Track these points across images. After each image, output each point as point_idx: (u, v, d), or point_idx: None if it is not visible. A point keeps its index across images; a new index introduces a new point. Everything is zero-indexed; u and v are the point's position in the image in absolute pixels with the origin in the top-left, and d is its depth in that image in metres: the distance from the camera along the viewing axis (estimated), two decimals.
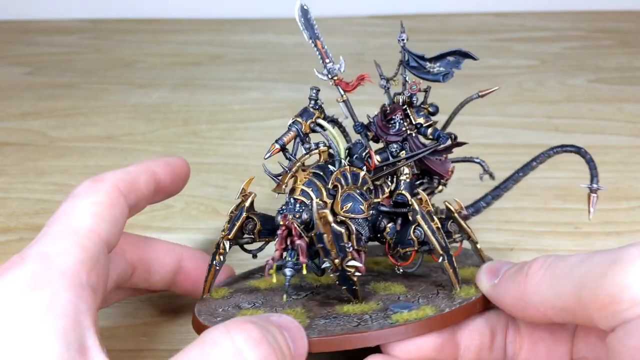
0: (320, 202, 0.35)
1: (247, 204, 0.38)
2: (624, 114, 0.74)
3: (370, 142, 0.42)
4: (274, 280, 0.34)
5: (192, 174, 0.42)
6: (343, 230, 0.33)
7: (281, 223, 0.34)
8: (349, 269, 0.34)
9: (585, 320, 0.28)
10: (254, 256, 0.39)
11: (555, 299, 0.29)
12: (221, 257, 0.38)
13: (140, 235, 0.40)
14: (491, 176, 0.45)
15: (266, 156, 0.37)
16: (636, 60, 0.91)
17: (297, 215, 0.34)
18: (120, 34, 1.08)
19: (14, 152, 0.69)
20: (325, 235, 0.33)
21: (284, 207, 0.35)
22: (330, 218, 0.33)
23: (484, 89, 0.41)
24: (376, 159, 0.39)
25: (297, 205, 0.34)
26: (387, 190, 0.39)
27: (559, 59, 0.92)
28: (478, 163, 0.44)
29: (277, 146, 0.38)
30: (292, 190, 0.36)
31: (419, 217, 0.36)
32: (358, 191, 0.36)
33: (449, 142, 0.39)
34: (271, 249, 0.41)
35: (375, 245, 0.42)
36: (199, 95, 0.83)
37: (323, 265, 0.34)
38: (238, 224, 0.37)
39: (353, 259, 0.34)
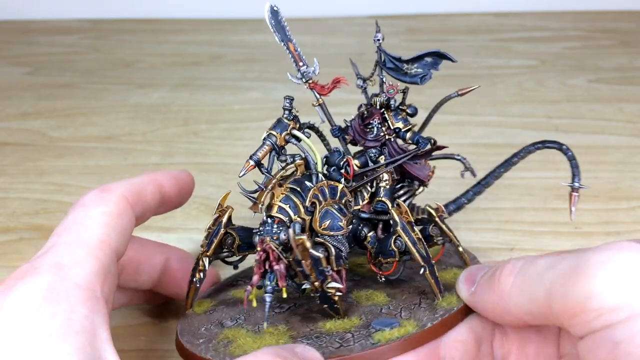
0: (299, 219, 0.34)
1: (225, 219, 0.37)
2: (624, 114, 0.74)
3: (349, 146, 0.41)
4: (254, 304, 0.33)
5: (192, 174, 0.42)
6: (321, 256, 0.32)
7: (258, 248, 0.33)
8: (329, 291, 0.33)
9: (559, 324, 0.29)
10: (235, 267, 0.39)
11: (529, 303, 0.29)
12: (201, 274, 0.37)
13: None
14: (472, 173, 0.44)
15: (241, 174, 0.35)
16: (636, 60, 0.91)
17: (275, 237, 0.33)
18: (120, 34, 1.08)
19: (14, 152, 0.69)
20: (303, 262, 0.32)
21: (261, 227, 0.34)
22: (308, 244, 0.31)
23: (463, 87, 0.40)
24: (355, 163, 0.38)
25: (275, 225, 0.33)
26: (366, 196, 0.38)
27: (559, 59, 0.92)
28: (459, 160, 0.44)
29: (252, 162, 0.36)
30: (269, 207, 0.35)
31: (399, 228, 0.35)
32: (336, 206, 0.35)
33: (428, 146, 0.38)
34: (253, 258, 0.40)
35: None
36: (199, 95, 0.83)
37: (303, 287, 0.34)
38: (216, 241, 0.37)
39: (333, 280, 0.33)
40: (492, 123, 0.72)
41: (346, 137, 0.40)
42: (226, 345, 0.34)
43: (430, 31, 1.05)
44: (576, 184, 0.40)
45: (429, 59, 0.39)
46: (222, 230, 0.37)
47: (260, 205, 0.35)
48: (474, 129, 0.70)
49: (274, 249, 0.32)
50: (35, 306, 0.27)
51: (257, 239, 0.33)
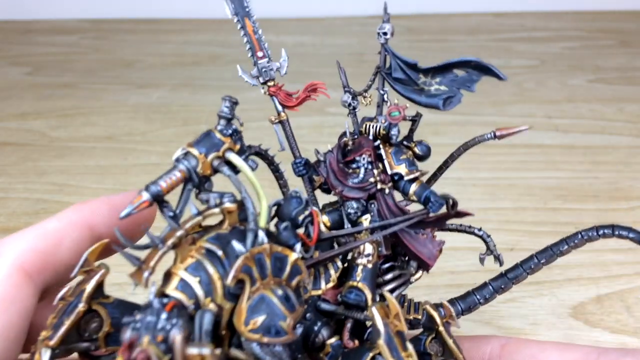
0: (212, 306, 0.20)
1: (90, 288, 0.23)
2: (624, 114, 0.74)
3: (318, 193, 0.28)
4: None
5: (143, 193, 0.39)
6: None
7: (119, 358, 0.19)
8: None
9: None
10: None
11: None
12: None
13: None
14: (498, 260, 0.30)
15: (122, 214, 0.22)
16: (636, 60, 0.91)
17: (158, 338, 0.19)
18: (120, 34, 1.08)
19: (14, 152, 0.69)
20: None
21: (138, 316, 0.20)
22: None
23: (502, 127, 0.29)
24: (323, 220, 0.25)
25: (165, 314, 0.19)
26: (333, 275, 0.25)
27: (559, 59, 0.92)
28: (480, 237, 0.30)
29: (145, 197, 0.22)
30: (167, 277, 0.22)
31: (382, 342, 0.21)
32: (280, 292, 0.21)
33: (443, 209, 0.24)
34: None
35: None
36: (199, 95, 0.83)
37: None
38: (68, 323, 0.22)
39: None
40: (492, 123, 0.72)
41: (314, 177, 0.27)
42: None
43: (430, 31, 1.04)
44: None
45: (460, 72, 0.25)
46: (81, 306, 0.22)
47: (146, 273, 0.21)
48: (474, 129, 0.70)
49: (155, 354, 0.19)
50: None
51: (127, 334, 0.19)
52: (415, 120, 0.27)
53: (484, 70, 0.25)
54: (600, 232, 0.28)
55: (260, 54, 0.27)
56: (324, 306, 0.24)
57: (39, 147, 0.70)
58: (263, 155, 0.27)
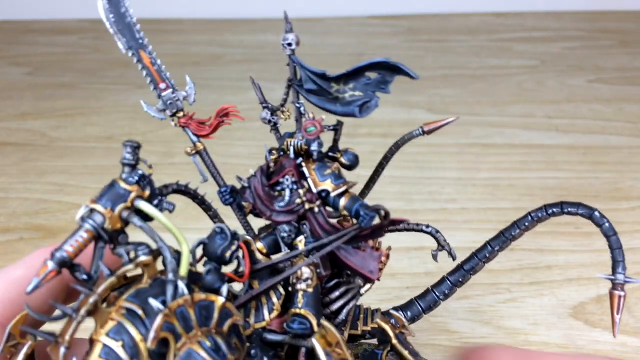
0: None
1: None
2: (624, 114, 0.74)
3: (251, 218, 0.26)
4: None
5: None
6: None
7: None
8: None
9: None
10: None
11: None
12: None
13: None
14: (451, 255, 0.30)
15: (29, 288, 0.21)
16: (636, 60, 0.91)
17: None
18: None
19: (14, 152, 0.69)
20: None
21: None
22: None
23: (430, 121, 0.28)
24: (258, 247, 0.25)
25: None
26: (276, 303, 0.24)
27: (559, 59, 0.92)
28: (428, 233, 0.29)
29: (51, 267, 0.21)
30: (91, 344, 0.21)
31: None
32: (208, 344, 0.20)
33: (376, 221, 0.23)
34: None
35: None
36: (199, 95, 0.83)
37: None
38: None
39: None
40: (492, 123, 0.72)
41: (244, 204, 0.26)
42: None
43: (430, 31, 1.04)
44: (620, 277, 0.26)
45: (372, 75, 0.24)
46: None
47: (62, 348, 0.20)
48: (474, 129, 0.70)
49: None
50: None
51: None
52: (337, 129, 0.26)
53: (395, 70, 0.23)
54: (549, 210, 0.28)
55: (162, 85, 0.24)
56: (270, 337, 0.23)
57: (39, 147, 0.70)
58: (184, 191, 0.27)
